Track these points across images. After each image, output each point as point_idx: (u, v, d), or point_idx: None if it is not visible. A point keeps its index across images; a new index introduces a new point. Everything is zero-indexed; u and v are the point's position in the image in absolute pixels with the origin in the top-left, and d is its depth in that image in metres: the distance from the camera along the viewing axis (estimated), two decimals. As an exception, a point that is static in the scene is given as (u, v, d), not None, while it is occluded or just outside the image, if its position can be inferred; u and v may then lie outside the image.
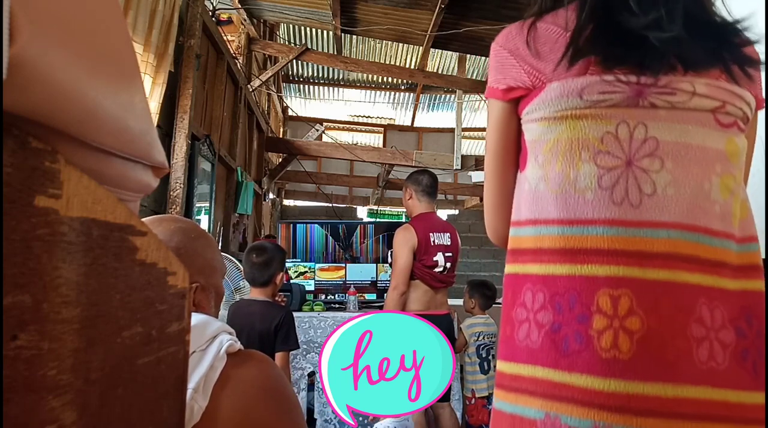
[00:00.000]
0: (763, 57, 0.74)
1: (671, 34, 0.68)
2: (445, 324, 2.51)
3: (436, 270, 2.55)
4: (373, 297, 3.54)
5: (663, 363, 0.61)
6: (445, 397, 2.49)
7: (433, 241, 2.55)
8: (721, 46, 0.70)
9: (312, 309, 3.12)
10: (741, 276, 0.68)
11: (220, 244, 3.67)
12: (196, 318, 0.80)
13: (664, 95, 0.68)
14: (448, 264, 2.58)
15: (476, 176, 7.36)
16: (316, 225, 3.72)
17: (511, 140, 0.80)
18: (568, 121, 0.71)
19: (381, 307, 3.38)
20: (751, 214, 0.73)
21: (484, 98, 6.52)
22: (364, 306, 3.40)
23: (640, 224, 0.65)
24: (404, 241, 2.53)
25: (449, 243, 2.61)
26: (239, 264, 2.56)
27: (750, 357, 0.64)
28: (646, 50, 0.68)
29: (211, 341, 0.79)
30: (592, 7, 0.72)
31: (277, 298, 2.21)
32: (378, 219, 7.39)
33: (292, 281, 3.34)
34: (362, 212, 8.63)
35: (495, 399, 0.74)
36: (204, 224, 3.30)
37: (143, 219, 0.97)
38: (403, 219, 8.54)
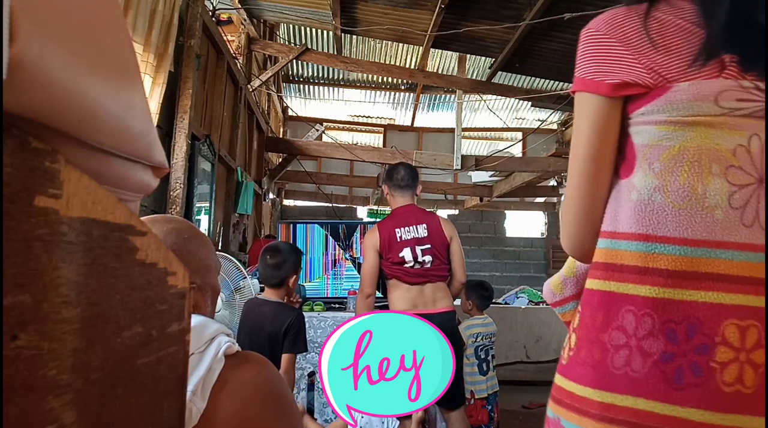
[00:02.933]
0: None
1: None
2: (443, 322, 2.31)
3: (407, 265, 2.44)
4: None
5: None
6: (459, 402, 2.42)
7: (400, 237, 2.46)
8: None
9: (312, 309, 3.12)
10: None
11: (220, 244, 3.68)
12: (194, 319, 0.80)
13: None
14: (427, 258, 2.43)
15: (476, 176, 7.36)
16: (316, 225, 3.72)
17: (611, 141, 0.71)
18: (698, 128, 0.65)
19: (382, 307, 3.38)
20: None
21: (483, 98, 6.51)
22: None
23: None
24: (367, 244, 2.52)
25: (426, 235, 2.45)
26: (239, 264, 2.56)
27: None
28: None
29: (209, 343, 0.79)
30: (729, 1, 0.65)
31: (292, 299, 2.20)
32: (378, 219, 7.39)
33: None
34: (362, 212, 8.63)
35: (572, 424, 0.69)
36: (204, 224, 3.30)
37: (141, 220, 0.97)
38: (403, 220, 8.53)
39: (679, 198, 0.65)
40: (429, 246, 2.44)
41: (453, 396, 2.34)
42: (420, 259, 2.43)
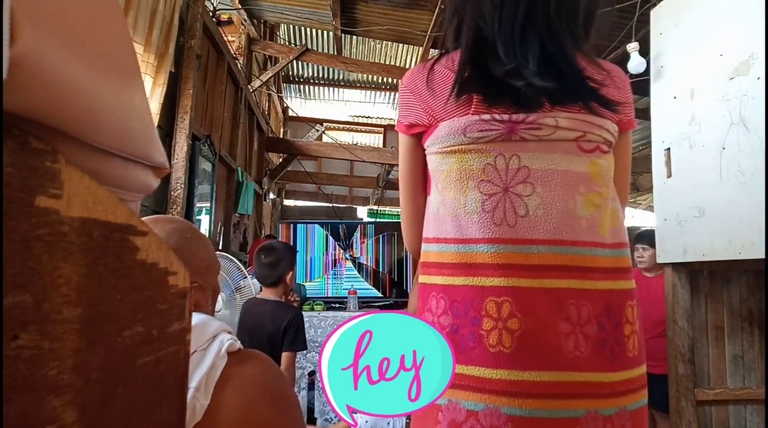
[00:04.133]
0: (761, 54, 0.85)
1: (526, 81, 0.79)
2: None
3: None
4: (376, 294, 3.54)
5: (538, 355, 0.74)
6: None
7: None
8: (580, 88, 0.82)
9: (312, 309, 3.12)
10: (608, 278, 0.80)
11: (220, 244, 3.67)
12: (196, 317, 0.81)
13: (532, 130, 0.79)
14: None
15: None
16: (316, 225, 3.72)
17: (417, 167, 0.92)
18: (456, 155, 0.82)
19: (382, 307, 3.38)
20: (622, 222, 0.85)
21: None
22: (365, 305, 3.40)
23: (516, 241, 0.78)
24: None
25: None
26: (239, 264, 2.56)
27: (608, 345, 0.77)
28: (517, 91, 0.79)
29: (211, 340, 0.79)
30: (470, 53, 0.84)
31: (290, 298, 2.21)
32: (378, 219, 7.39)
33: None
34: (362, 212, 8.62)
35: None
36: (205, 224, 3.30)
37: (142, 220, 0.98)
38: (404, 220, 8.50)
39: (451, 208, 0.82)
40: None
41: None
42: None
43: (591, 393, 0.74)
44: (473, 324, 0.76)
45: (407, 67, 6.54)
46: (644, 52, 2.54)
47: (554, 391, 0.73)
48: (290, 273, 2.12)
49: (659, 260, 2.25)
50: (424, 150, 0.89)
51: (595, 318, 0.77)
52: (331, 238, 3.64)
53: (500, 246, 0.77)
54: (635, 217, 9.42)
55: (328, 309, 3.23)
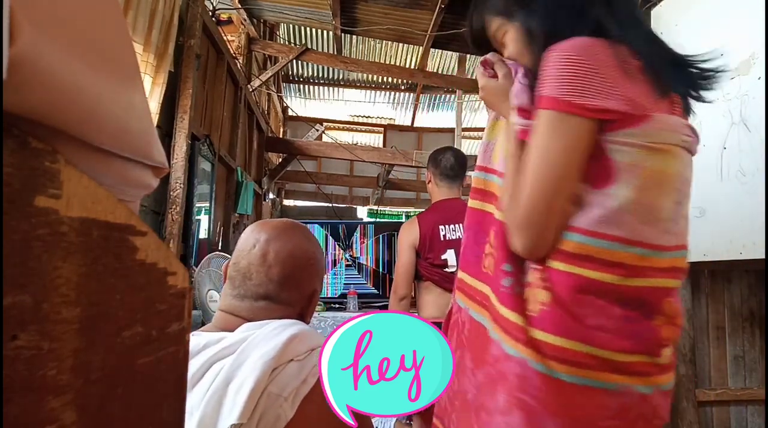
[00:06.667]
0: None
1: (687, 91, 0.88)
2: None
3: (448, 270, 2.12)
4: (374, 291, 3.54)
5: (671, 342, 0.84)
6: None
7: (444, 236, 2.14)
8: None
9: (312, 309, 3.12)
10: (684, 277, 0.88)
11: (220, 244, 3.67)
12: (297, 327, 0.83)
13: (696, 144, 0.85)
14: None
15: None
16: (316, 225, 3.71)
17: (586, 156, 0.78)
18: (662, 154, 0.79)
19: (382, 307, 3.38)
20: None
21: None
22: (365, 306, 3.39)
23: (683, 248, 0.85)
24: (404, 238, 2.20)
25: None
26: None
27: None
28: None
29: (309, 353, 0.80)
30: (659, 57, 0.83)
31: None
32: (378, 220, 7.39)
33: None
34: (362, 212, 8.62)
35: (586, 379, 0.78)
36: (204, 224, 3.29)
37: (274, 225, 0.96)
38: (404, 220, 8.51)
39: (646, 209, 0.78)
40: None
41: None
42: None
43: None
44: (647, 318, 0.82)
45: (407, 66, 6.54)
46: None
47: (672, 368, 0.85)
48: None
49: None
50: (600, 135, 0.78)
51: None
52: (330, 238, 3.64)
53: (682, 252, 0.84)
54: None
55: (328, 309, 3.23)
